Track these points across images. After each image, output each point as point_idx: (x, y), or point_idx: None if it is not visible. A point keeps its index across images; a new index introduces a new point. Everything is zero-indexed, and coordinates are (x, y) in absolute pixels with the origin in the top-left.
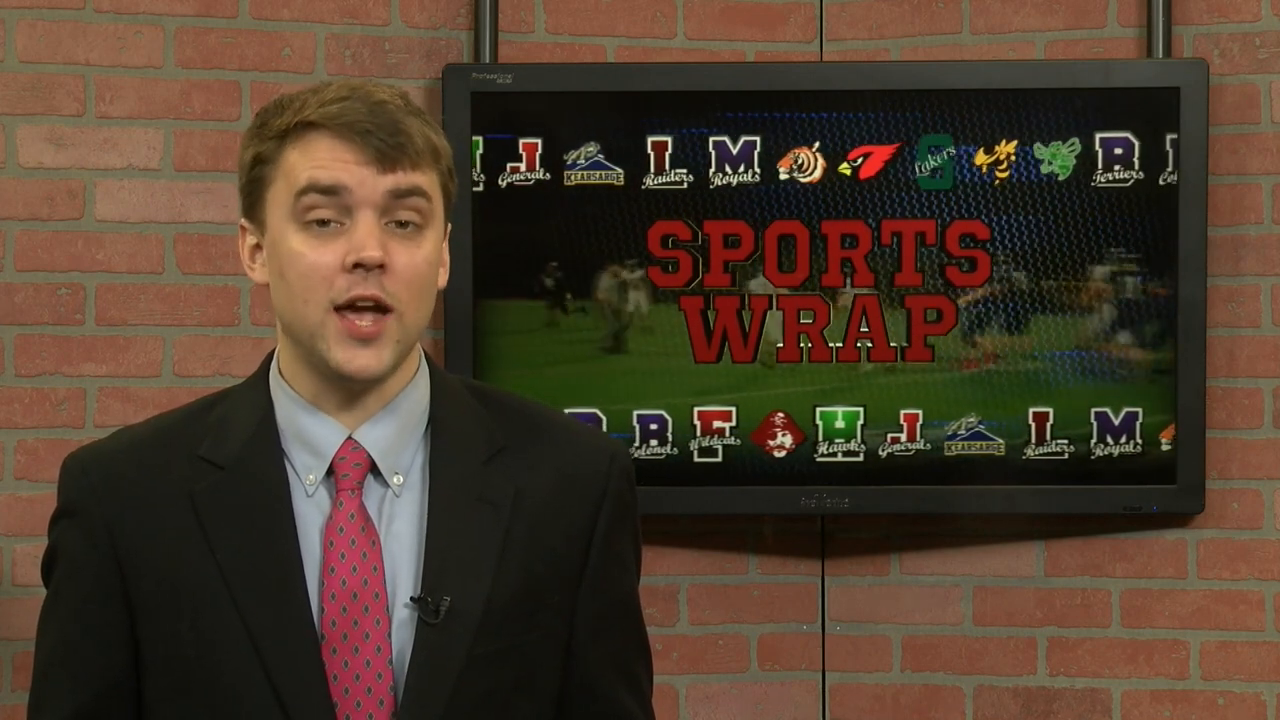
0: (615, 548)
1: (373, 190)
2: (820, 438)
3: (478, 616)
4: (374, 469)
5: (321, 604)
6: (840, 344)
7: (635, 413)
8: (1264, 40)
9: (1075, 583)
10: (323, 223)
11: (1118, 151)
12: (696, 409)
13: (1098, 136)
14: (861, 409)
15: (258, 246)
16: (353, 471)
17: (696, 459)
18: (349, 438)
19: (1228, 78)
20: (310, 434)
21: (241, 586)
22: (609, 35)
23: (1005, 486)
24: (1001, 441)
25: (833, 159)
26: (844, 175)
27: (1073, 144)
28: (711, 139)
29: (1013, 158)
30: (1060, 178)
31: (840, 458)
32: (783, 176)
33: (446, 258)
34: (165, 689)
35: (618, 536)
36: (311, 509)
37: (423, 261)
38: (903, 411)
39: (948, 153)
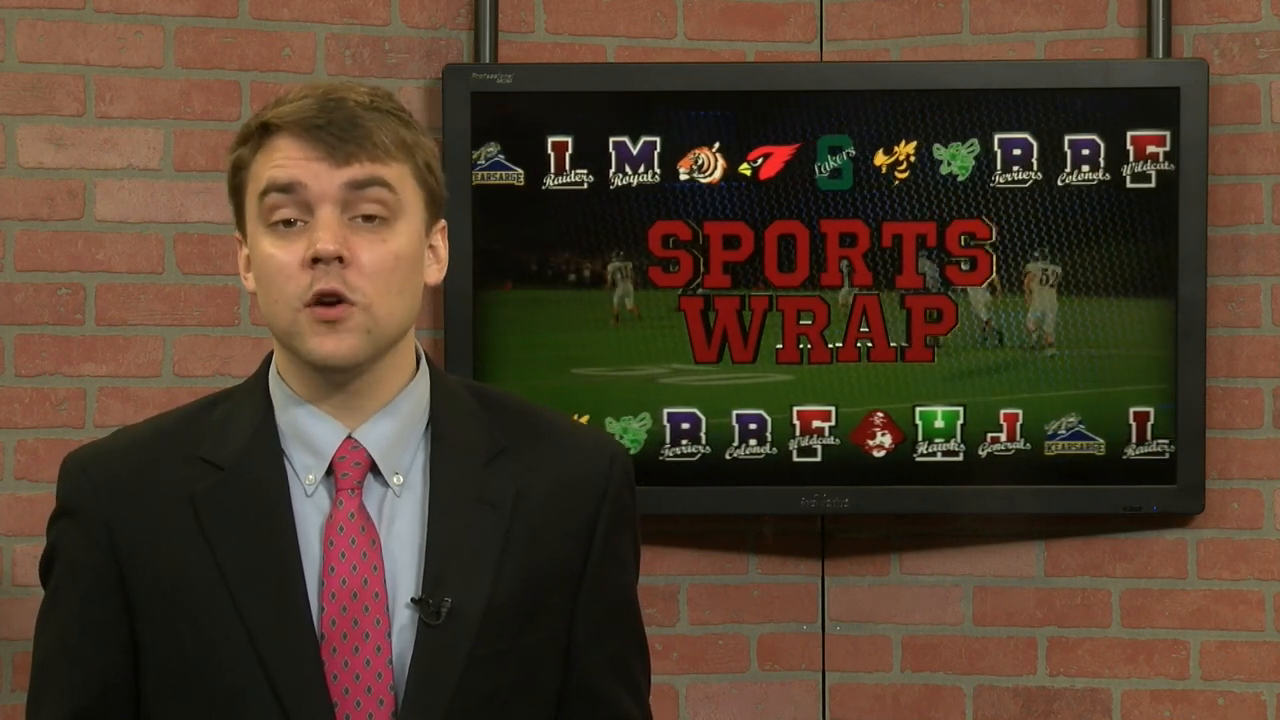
0: (615, 549)
1: (329, 184)
2: (920, 437)
3: (478, 618)
4: (374, 469)
5: (321, 603)
6: (840, 344)
7: (734, 412)
8: (1264, 40)
9: (1075, 583)
10: (288, 223)
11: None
12: (796, 408)
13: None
14: (961, 408)
15: (249, 257)
16: (352, 471)
17: (796, 458)
18: (348, 437)
19: (1228, 78)
20: (310, 433)
21: (241, 586)
22: (609, 35)
23: (1005, 486)
24: (1102, 441)
25: (733, 159)
26: (744, 175)
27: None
28: (611, 139)
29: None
30: (962, 178)
31: (940, 458)
32: (682, 177)
33: (444, 254)
34: (164, 689)
35: (617, 537)
36: (311, 509)
37: (389, 254)
38: (1002, 412)
39: (847, 153)
